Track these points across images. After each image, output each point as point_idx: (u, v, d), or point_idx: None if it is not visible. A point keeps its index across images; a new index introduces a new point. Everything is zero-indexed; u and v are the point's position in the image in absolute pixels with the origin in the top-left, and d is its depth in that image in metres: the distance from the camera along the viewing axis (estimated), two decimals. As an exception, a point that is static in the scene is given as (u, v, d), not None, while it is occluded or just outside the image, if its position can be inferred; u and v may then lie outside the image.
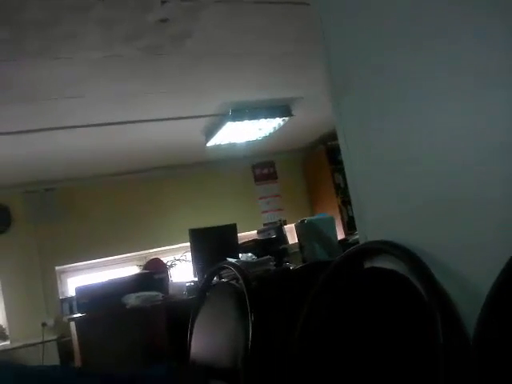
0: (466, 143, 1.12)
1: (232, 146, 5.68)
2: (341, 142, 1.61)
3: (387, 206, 1.41)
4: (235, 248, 3.77)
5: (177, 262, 5.36)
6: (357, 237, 2.96)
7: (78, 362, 3.64)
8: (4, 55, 3.03)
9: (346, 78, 1.55)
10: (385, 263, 1.36)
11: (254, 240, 4.02)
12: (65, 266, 5.96)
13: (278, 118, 5.06)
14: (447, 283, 1.17)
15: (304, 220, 3.33)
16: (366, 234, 1.50)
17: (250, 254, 3.43)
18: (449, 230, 1.19)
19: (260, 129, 5.29)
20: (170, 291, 3.54)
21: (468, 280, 1.13)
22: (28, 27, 2.77)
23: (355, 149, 1.55)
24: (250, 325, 1.70)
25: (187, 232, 3.88)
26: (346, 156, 1.59)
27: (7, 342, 5.29)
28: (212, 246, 3.70)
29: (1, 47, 2.92)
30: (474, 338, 0.94)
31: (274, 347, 1.76)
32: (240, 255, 3.53)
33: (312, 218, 3.57)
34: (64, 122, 4.29)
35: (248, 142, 5.69)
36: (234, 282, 2.38)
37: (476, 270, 1.11)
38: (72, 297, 4.77)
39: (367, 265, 1.45)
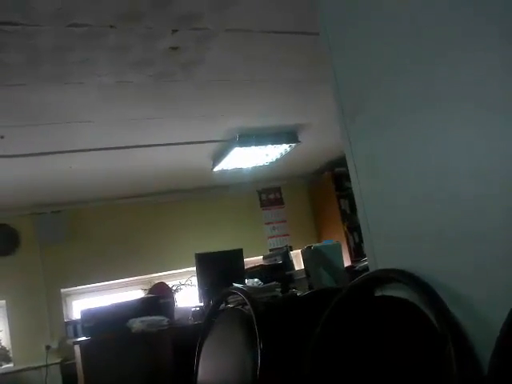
0: (479, 171, 1.12)
1: (239, 171, 5.71)
2: (350, 167, 1.61)
3: (398, 233, 1.41)
4: (241, 273, 3.76)
5: (182, 287, 5.35)
6: (364, 264, 2.96)
7: (81, 387, 3.61)
8: (17, 79, 3.08)
9: (355, 104, 1.56)
10: (395, 291, 1.36)
11: (260, 265, 4.01)
12: (70, 289, 5.95)
13: (284, 144, 5.10)
14: (459, 312, 1.17)
15: (311, 246, 3.32)
16: (376, 261, 1.49)
17: (256, 280, 3.43)
18: (461, 258, 1.19)
19: (267, 154, 5.32)
20: (176, 316, 3.52)
21: (481, 309, 1.13)
22: (42, 53, 2.82)
23: (364, 175, 1.55)
24: (259, 351, 1.69)
25: (193, 256, 3.88)
26: (355, 182, 1.59)
27: (11, 365, 5.26)
28: (218, 270, 3.69)
29: (14, 71, 2.97)
30: (488, 372, 0.93)
31: (283, 374, 1.75)
32: (246, 280, 3.52)
33: (319, 244, 3.57)
34: (73, 145, 4.33)
35: (255, 168, 5.71)
36: (240, 307, 2.37)
37: (489, 300, 1.11)
38: (77, 320, 4.77)
39: (377, 293, 1.44)
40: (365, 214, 1.55)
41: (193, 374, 2.22)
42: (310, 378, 1.44)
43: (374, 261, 1.50)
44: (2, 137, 3.83)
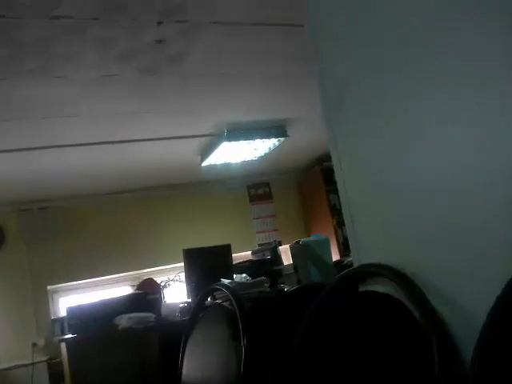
0: (464, 165, 1.10)
1: (227, 166, 5.68)
2: (334, 161, 1.60)
3: (381, 228, 1.39)
4: (230, 268, 3.74)
5: (170, 283, 5.32)
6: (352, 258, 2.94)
7: (68, 384, 3.59)
8: (1, 73, 3.03)
9: (340, 98, 1.54)
10: (379, 286, 1.34)
11: (248, 260, 3.99)
12: (57, 286, 5.90)
13: (273, 139, 5.08)
14: (442, 307, 1.15)
15: (299, 241, 3.30)
16: (359, 256, 1.48)
17: (244, 275, 3.41)
18: (444, 252, 1.17)
19: (255, 149, 5.30)
20: (163, 312, 3.49)
21: (464, 303, 1.11)
22: (25, 46, 2.78)
23: (349, 169, 1.54)
24: (243, 348, 1.68)
25: (181, 252, 3.85)
26: (339, 176, 1.58)
27: (-4, 363, 5.21)
28: (206, 266, 3.67)
29: (-2, 65, 2.92)
30: (470, 369, 0.91)
31: (267, 370, 1.74)
32: (234, 276, 3.50)
33: (307, 239, 3.55)
34: (59, 140, 4.28)
35: (243, 163, 5.69)
36: (227, 303, 2.35)
37: (472, 294, 1.09)
38: (63, 317, 4.73)
39: (361, 288, 1.43)
40: (348, 209, 1.54)
41: (178, 369, 2.20)
42: (293, 375, 1.43)
43: (357, 256, 1.49)
44: (-14, 132, 3.78)
